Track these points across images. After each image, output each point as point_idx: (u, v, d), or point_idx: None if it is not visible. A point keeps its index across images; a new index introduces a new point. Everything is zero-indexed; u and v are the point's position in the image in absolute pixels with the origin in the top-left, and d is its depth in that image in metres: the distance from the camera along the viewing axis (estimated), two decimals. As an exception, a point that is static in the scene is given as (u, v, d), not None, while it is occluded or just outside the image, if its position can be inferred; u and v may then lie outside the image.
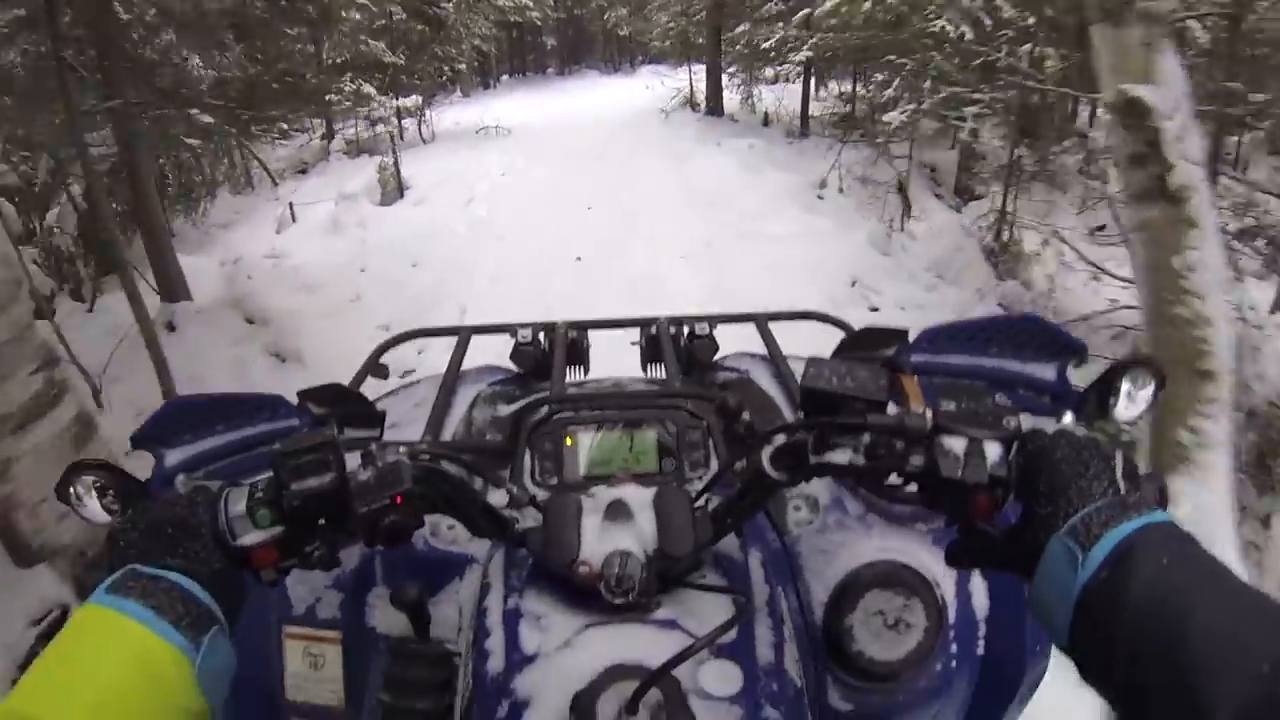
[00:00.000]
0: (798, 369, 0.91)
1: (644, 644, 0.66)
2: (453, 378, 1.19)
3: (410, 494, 0.65)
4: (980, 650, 0.89)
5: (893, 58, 7.87)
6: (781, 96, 12.83)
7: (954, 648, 0.87)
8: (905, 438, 0.63)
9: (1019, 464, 0.62)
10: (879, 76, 9.63)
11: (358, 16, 10.02)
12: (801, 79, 11.43)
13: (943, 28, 6.66)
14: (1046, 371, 0.91)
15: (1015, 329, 0.94)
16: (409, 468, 0.67)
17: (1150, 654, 0.48)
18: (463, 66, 15.39)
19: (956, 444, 0.62)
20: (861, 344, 0.91)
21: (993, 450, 0.62)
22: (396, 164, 9.69)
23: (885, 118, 7.85)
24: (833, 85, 13.05)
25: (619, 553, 0.69)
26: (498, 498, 0.76)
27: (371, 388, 1.11)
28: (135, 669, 0.52)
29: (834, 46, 9.29)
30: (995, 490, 0.61)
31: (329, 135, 12.51)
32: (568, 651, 0.66)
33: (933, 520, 0.89)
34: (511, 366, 1.26)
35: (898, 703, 0.85)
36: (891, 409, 0.65)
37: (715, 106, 13.75)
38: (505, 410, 1.05)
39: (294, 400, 0.94)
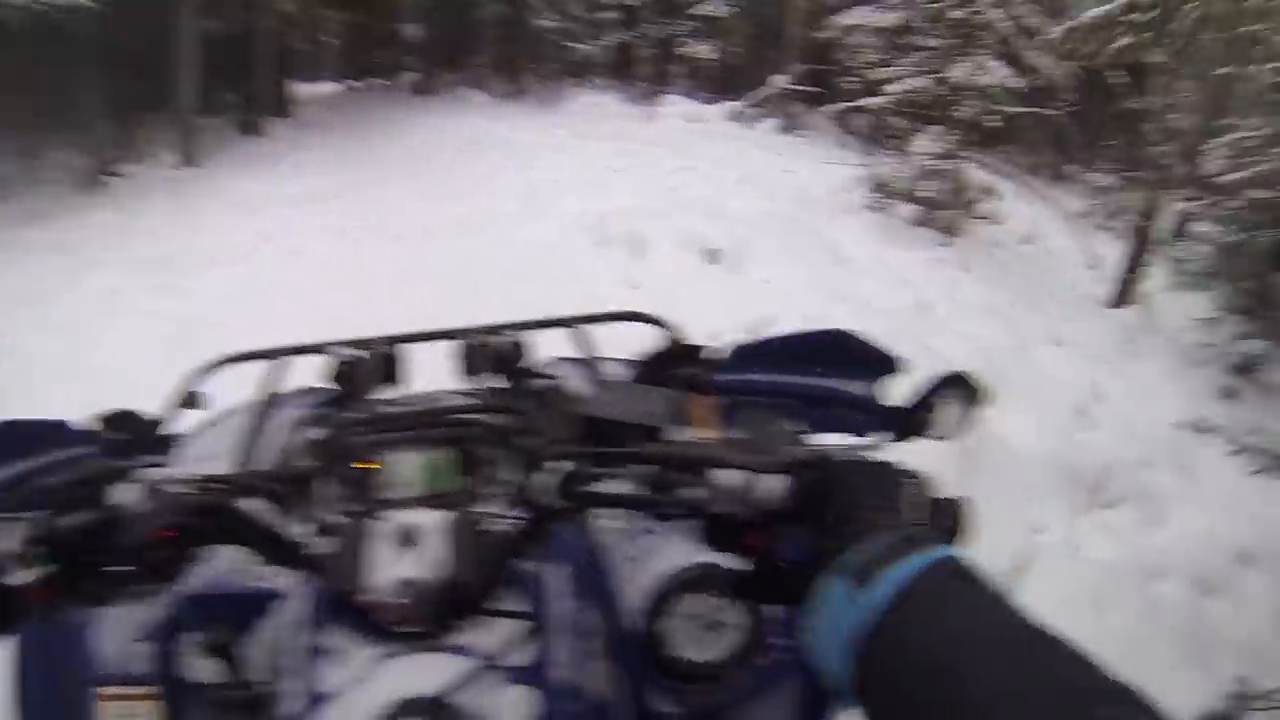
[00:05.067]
0: (617, 371, 1.14)
1: (437, 675, 0.64)
2: (267, 402, 1.15)
3: (182, 526, 0.66)
4: None
5: None
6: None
7: (779, 641, 0.82)
8: (679, 468, 0.63)
9: (802, 494, 0.61)
10: None
11: None
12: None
13: None
14: (860, 388, 0.90)
15: (827, 344, 0.92)
16: (178, 499, 0.67)
17: (937, 707, 0.46)
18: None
19: (729, 476, 0.61)
20: (668, 361, 0.94)
21: (768, 482, 0.61)
22: None
23: None
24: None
25: (405, 581, 0.67)
26: (296, 527, 0.77)
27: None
28: None
29: None
30: (770, 524, 0.61)
31: None
32: (363, 687, 0.65)
33: None
34: (332, 386, 1.20)
35: (724, 700, 0.83)
36: (683, 435, 0.69)
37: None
38: (320, 434, 1.00)
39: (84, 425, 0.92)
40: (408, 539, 0.69)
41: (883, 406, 0.88)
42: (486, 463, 0.84)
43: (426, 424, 0.90)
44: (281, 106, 11.51)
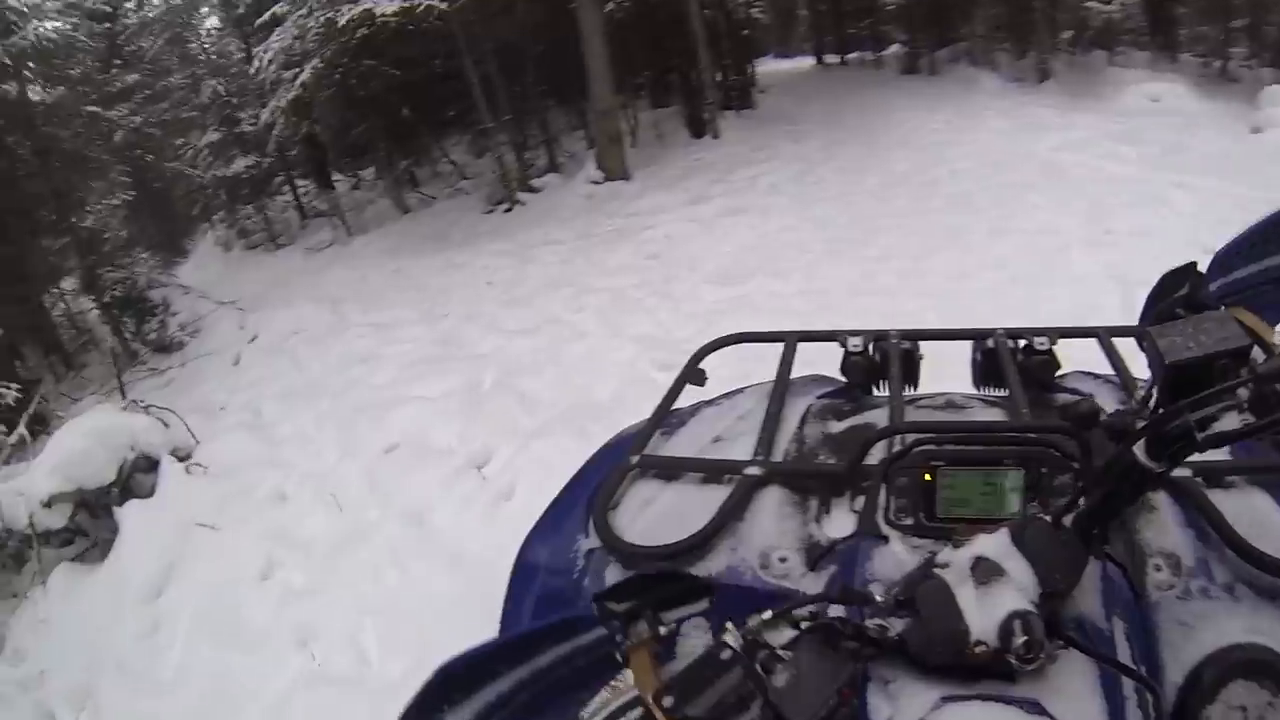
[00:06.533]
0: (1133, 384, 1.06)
1: None
2: (782, 388, 1.15)
3: (853, 677, 0.60)
4: None
5: None
6: None
7: None
8: None
9: None
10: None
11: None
12: None
13: None
14: None
15: None
16: (841, 658, 0.61)
17: None
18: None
19: None
20: (1161, 298, 0.89)
21: None
22: None
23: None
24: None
25: (1013, 614, 0.60)
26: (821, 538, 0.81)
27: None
28: None
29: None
30: None
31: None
32: None
33: None
34: (837, 377, 1.22)
35: None
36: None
37: None
38: (837, 427, 1.04)
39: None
40: (988, 571, 0.62)
41: None
42: (1056, 487, 0.77)
43: (993, 441, 0.85)
44: (745, 95, 9.31)
